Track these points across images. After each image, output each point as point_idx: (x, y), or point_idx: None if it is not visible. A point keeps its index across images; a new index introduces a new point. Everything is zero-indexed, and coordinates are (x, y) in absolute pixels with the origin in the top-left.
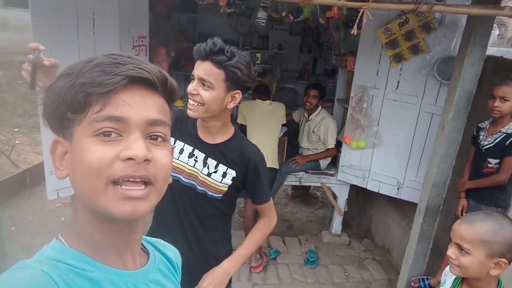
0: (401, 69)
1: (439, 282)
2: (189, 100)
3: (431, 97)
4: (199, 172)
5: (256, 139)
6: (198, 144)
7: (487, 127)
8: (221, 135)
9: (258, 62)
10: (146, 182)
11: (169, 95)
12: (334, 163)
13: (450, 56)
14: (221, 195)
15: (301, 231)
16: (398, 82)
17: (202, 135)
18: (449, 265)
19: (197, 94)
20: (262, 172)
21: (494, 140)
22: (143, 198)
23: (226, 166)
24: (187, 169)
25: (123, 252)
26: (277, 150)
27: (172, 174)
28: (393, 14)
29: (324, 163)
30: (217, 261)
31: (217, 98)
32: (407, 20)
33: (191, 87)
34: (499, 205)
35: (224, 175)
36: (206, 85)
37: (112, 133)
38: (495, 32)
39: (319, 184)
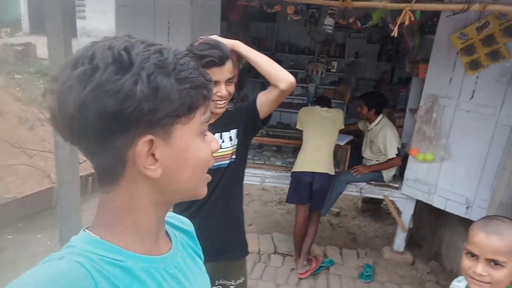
0: (477, 77)
1: None
2: (217, 102)
3: (511, 108)
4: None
5: (312, 144)
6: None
7: None
8: None
9: (334, 70)
10: None
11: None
12: (401, 176)
13: None
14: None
15: (364, 245)
16: (474, 91)
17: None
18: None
19: (227, 94)
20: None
21: None
22: None
23: (228, 131)
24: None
25: (159, 234)
26: (333, 156)
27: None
28: (471, 17)
29: (388, 174)
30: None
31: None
32: (487, 23)
33: (224, 91)
34: None
35: (230, 139)
36: (230, 80)
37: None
38: None
39: (381, 197)
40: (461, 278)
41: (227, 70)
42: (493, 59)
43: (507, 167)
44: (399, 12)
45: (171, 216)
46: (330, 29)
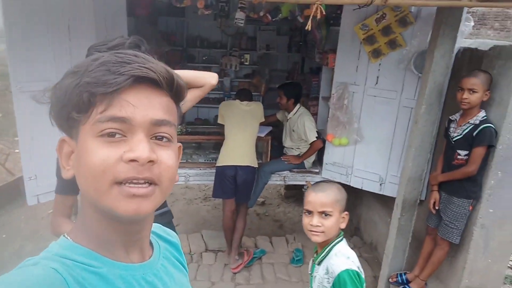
0: (379, 64)
1: (416, 276)
2: None
3: (410, 91)
4: None
5: (233, 137)
6: None
7: (457, 119)
8: None
9: (247, 63)
10: (150, 183)
11: (175, 95)
12: (320, 161)
13: (426, 49)
14: None
15: (291, 231)
16: (378, 77)
17: None
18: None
19: None
20: None
21: (463, 131)
22: (147, 197)
23: None
24: None
25: (132, 248)
26: (255, 149)
27: None
28: (370, 10)
29: (308, 161)
30: None
31: None
32: (384, 15)
33: None
34: (470, 197)
35: None
36: None
37: (116, 134)
38: (471, 23)
39: (304, 183)
40: None
41: None
42: (392, 47)
43: (412, 145)
44: (306, 5)
45: (157, 227)
46: (241, 23)
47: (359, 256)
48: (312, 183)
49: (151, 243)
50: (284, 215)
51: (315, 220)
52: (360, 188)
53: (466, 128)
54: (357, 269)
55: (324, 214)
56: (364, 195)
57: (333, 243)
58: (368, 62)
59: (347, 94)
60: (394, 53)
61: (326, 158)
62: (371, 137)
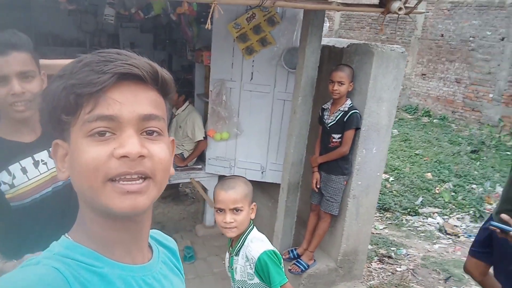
0: (253, 61)
1: (305, 250)
2: (14, 103)
3: (282, 85)
4: None
5: None
6: None
7: (329, 107)
8: None
9: None
10: (144, 178)
11: (162, 89)
12: (201, 157)
13: (293, 47)
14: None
15: (175, 230)
16: (252, 73)
17: None
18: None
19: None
20: None
21: (336, 118)
22: (142, 192)
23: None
24: None
25: (132, 248)
26: None
27: None
28: (241, 9)
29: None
30: None
31: None
32: (254, 15)
33: (16, 87)
34: (344, 173)
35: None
36: (27, 74)
37: (106, 133)
38: (326, 24)
39: (188, 180)
40: None
41: (16, 62)
42: (263, 45)
43: (292, 133)
44: (178, 3)
45: (157, 233)
46: (111, 20)
47: None
48: (196, 179)
49: (150, 247)
50: (164, 215)
51: (228, 217)
52: None
53: (338, 115)
54: (273, 248)
55: (236, 210)
56: None
57: (246, 233)
58: (242, 59)
59: (225, 90)
60: (265, 50)
61: (208, 153)
62: (250, 130)
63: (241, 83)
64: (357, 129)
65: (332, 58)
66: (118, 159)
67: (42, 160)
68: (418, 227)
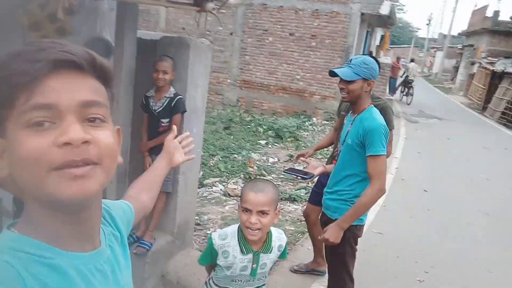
0: None
1: (144, 231)
2: None
3: None
4: None
5: None
6: None
7: (154, 95)
8: None
9: None
10: (90, 164)
11: (101, 76)
12: None
13: (97, 37)
14: None
15: None
16: None
17: None
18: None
19: None
20: None
21: (163, 104)
22: (89, 176)
23: None
24: None
25: (81, 237)
26: None
27: None
28: None
29: None
30: None
31: None
32: (48, 1)
33: None
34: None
35: None
36: None
37: (45, 122)
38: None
39: None
40: (223, 234)
41: None
42: (61, 34)
43: (116, 123)
44: None
45: (105, 203)
46: None
47: None
48: None
49: None
50: None
51: (254, 218)
52: None
53: (165, 101)
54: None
55: (262, 212)
56: None
57: (269, 230)
58: None
59: None
60: (68, 40)
61: None
62: None
63: None
64: (183, 112)
65: (147, 49)
66: (61, 148)
67: None
68: (207, 196)
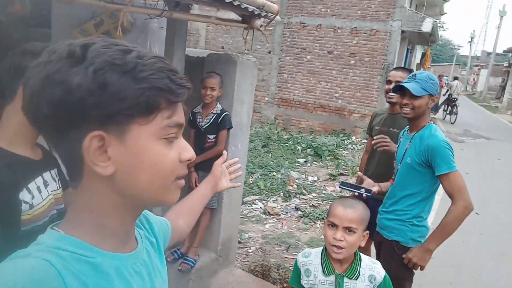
0: None
1: (188, 247)
2: None
3: None
4: None
5: None
6: None
7: (201, 111)
8: None
9: None
10: None
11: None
12: None
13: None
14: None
15: None
16: None
17: None
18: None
19: None
20: None
21: (210, 120)
22: None
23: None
24: None
25: (124, 238)
26: None
27: None
28: (85, 15)
29: None
30: None
31: None
32: (102, 21)
33: None
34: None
35: (54, 180)
36: None
37: (174, 138)
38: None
39: None
40: (307, 252)
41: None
42: None
43: None
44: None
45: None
46: None
47: None
48: None
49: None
50: None
51: (339, 234)
52: None
53: (212, 117)
54: None
55: (349, 230)
56: None
57: (358, 255)
58: None
59: None
60: None
61: None
62: None
63: None
64: (229, 128)
65: (192, 66)
66: (182, 163)
67: (47, 181)
68: (247, 214)
